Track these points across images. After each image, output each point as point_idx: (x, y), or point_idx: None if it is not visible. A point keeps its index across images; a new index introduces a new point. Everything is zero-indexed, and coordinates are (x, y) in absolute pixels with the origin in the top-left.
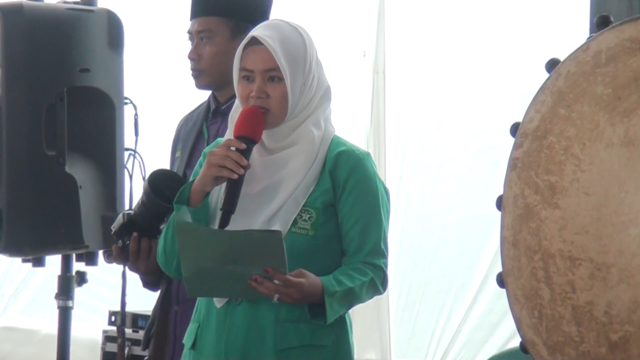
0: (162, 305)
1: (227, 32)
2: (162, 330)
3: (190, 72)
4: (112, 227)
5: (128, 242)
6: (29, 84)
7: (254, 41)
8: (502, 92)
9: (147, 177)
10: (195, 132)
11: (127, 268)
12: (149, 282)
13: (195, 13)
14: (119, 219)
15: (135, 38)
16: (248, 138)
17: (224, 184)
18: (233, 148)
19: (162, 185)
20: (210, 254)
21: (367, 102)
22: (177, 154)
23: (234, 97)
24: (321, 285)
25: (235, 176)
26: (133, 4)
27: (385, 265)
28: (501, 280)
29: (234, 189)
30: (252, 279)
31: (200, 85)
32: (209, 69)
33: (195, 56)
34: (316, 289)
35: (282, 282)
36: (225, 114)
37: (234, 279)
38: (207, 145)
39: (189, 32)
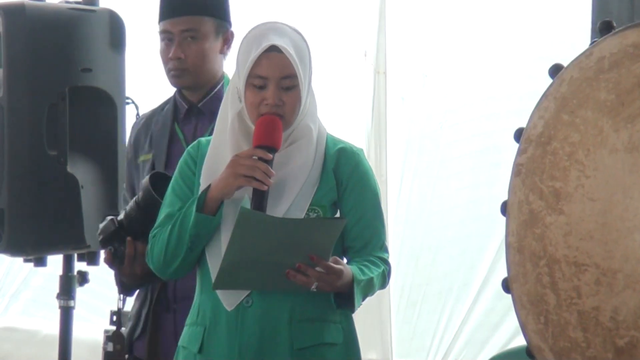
0: (158, 305)
1: (212, 32)
2: (155, 331)
3: (170, 71)
4: (98, 235)
5: (120, 247)
6: (31, 83)
7: (269, 48)
8: (504, 93)
9: (147, 176)
10: (168, 134)
11: (114, 273)
12: (132, 286)
13: (177, 12)
14: (108, 226)
15: (136, 38)
16: (270, 147)
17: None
18: (256, 158)
19: (161, 186)
20: (263, 243)
21: (368, 102)
22: (144, 157)
23: (207, 95)
24: (351, 274)
25: (265, 188)
26: (135, 4)
27: (388, 258)
28: (507, 286)
29: (262, 199)
30: (293, 267)
31: (183, 84)
32: (195, 69)
33: (180, 55)
34: (349, 277)
35: (325, 269)
36: (201, 113)
37: (271, 269)
38: (187, 145)
39: (167, 32)
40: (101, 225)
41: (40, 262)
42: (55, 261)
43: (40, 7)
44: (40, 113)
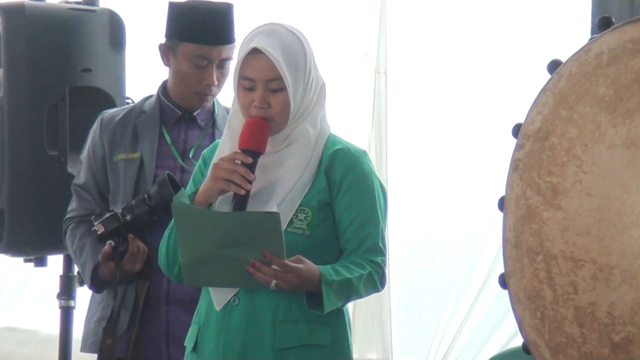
0: (145, 306)
1: (232, 56)
2: (140, 331)
3: (197, 94)
4: (97, 228)
5: (122, 243)
6: (31, 83)
7: (255, 50)
8: (504, 92)
9: (164, 175)
10: (157, 136)
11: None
12: (110, 283)
13: (219, 40)
14: (111, 220)
15: (136, 38)
16: (253, 151)
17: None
18: (238, 161)
19: (174, 184)
20: (207, 237)
21: (369, 102)
22: (125, 156)
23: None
24: (319, 274)
25: (243, 192)
26: (134, 4)
27: (384, 262)
28: (503, 282)
29: (242, 203)
30: (250, 265)
31: (206, 106)
32: (218, 92)
33: (216, 82)
34: (314, 276)
35: (280, 267)
36: (192, 121)
37: (232, 265)
38: (176, 149)
39: (204, 57)
40: (100, 220)
41: (40, 262)
42: (55, 261)
43: (40, 7)
44: (41, 113)
